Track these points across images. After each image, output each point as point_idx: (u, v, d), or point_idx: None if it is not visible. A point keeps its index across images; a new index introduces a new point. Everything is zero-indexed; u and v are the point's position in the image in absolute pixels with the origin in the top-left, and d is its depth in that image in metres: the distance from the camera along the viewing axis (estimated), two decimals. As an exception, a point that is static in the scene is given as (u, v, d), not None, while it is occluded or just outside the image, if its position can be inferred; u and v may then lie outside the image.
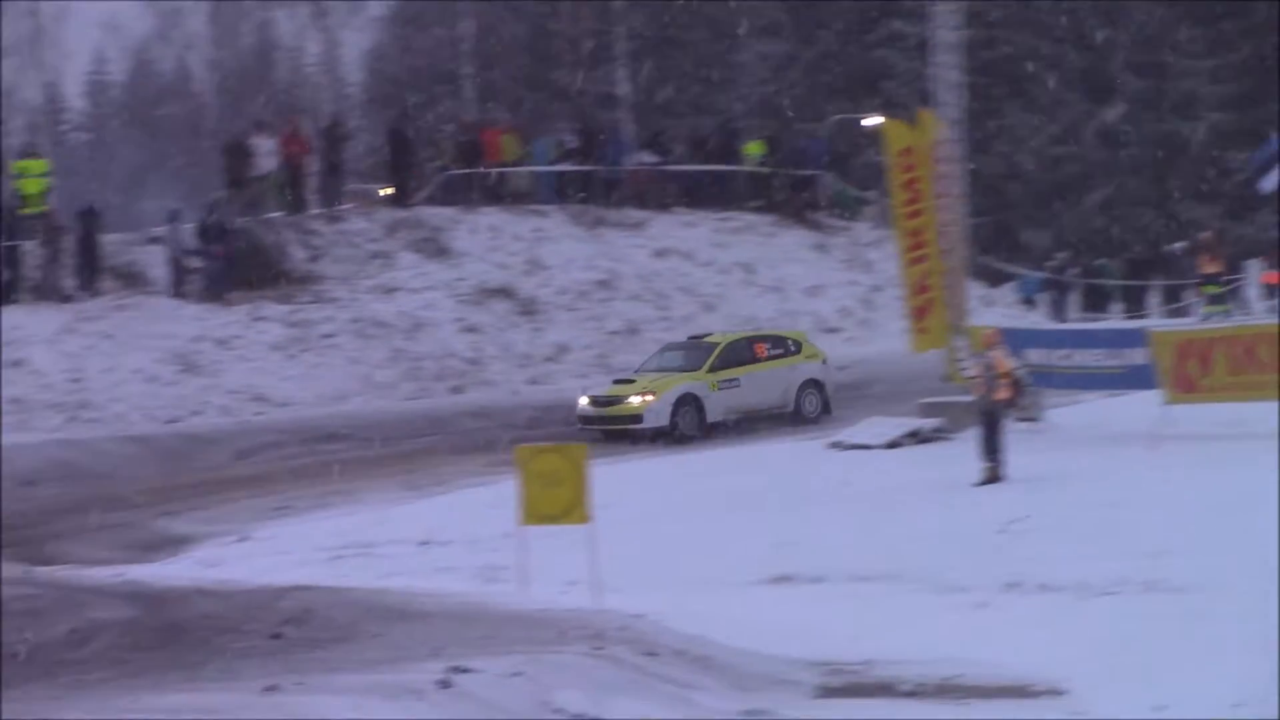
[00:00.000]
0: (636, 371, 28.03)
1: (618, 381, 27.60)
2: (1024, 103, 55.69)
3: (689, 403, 25.97)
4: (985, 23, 49.73)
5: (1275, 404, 20.52)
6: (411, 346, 33.95)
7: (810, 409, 27.14)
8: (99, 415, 29.38)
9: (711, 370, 26.63)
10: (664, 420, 25.63)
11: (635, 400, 25.97)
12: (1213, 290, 34.77)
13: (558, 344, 34.74)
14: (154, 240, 34.69)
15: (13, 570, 19.05)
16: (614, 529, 14.84)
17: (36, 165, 34.48)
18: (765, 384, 27.01)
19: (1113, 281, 41.58)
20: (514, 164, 39.30)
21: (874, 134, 38.41)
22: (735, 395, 26.57)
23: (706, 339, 28.83)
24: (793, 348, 28.03)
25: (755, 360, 27.20)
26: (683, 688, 11.31)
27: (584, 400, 26.88)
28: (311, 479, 26.05)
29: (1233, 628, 11.80)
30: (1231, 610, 12.38)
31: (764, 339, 28.44)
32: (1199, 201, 52.52)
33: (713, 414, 26.12)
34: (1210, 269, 35.05)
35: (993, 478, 19.66)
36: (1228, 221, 47.34)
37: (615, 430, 25.99)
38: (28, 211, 32.80)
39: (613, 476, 18.83)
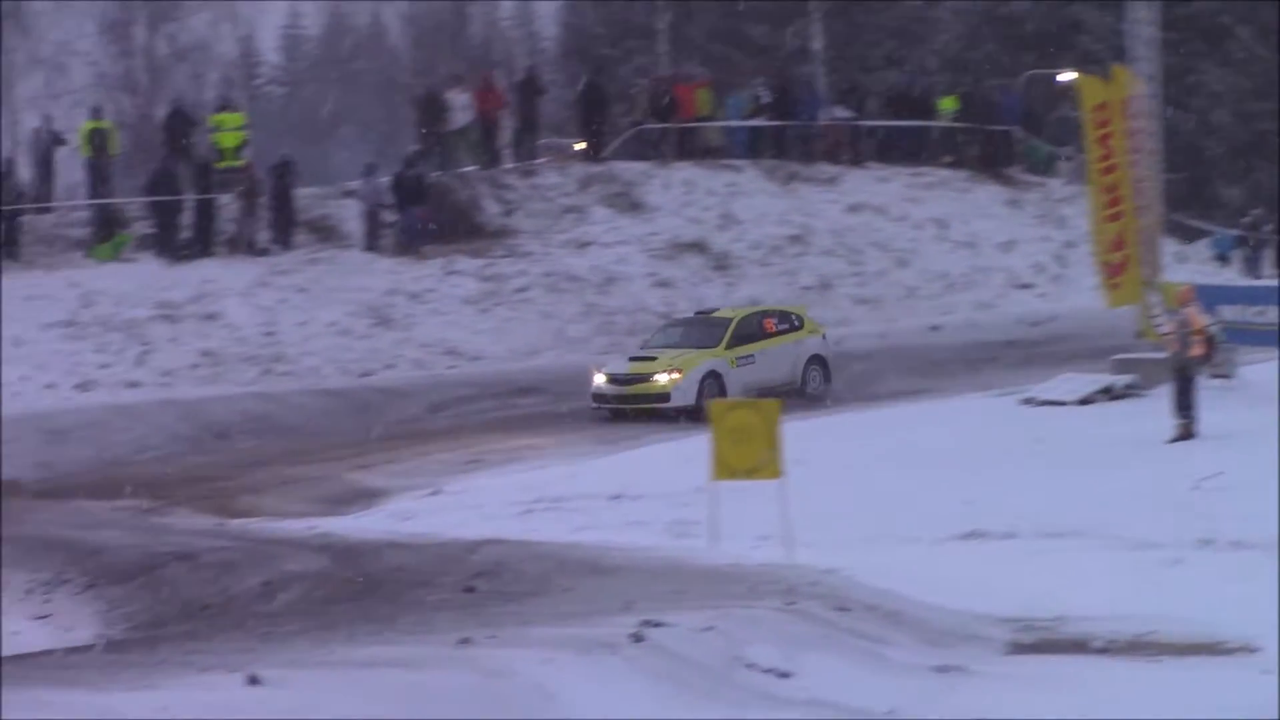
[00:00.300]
0: (644, 347, 27.54)
1: (635, 359, 26.70)
2: (1219, 58, 55.48)
3: (713, 380, 25.37)
4: (1180, -24, 49.68)
5: None
6: (604, 301, 34.41)
7: (814, 385, 26.68)
8: (292, 368, 30.35)
9: (728, 347, 26.15)
10: (690, 399, 24.91)
11: (663, 378, 25.38)
12: None
13: (750, 298, 34.04)
14: (348, 194, 35.62)
15: (205, 523, 20.02)
16: (804, 484, 14.99)
17: (233, 119, 35.81)
18: (776, 360, 26.48)
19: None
20: (707, 119, 39.76)
21: (1068, 90, 38.80)
22: (751, 372, 25.97)
23: (715, 314, 28.57)
24: (796, 323, 27.68)
25: (765, 336, 26.80)
26: (874, 642, 11.51)
27: (600, 378, 25.96)
28: (503, 433, 26.70)
29: None
30: None
31: (771, 314, 28.15)
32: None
33: (732, 391, 25.05)
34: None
35: (1185, 434, 19.84)
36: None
37: (636, 409, 25.56)
38: (224, 165, 33.88)
39: (802, 432, 18.93)
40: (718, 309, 29.22)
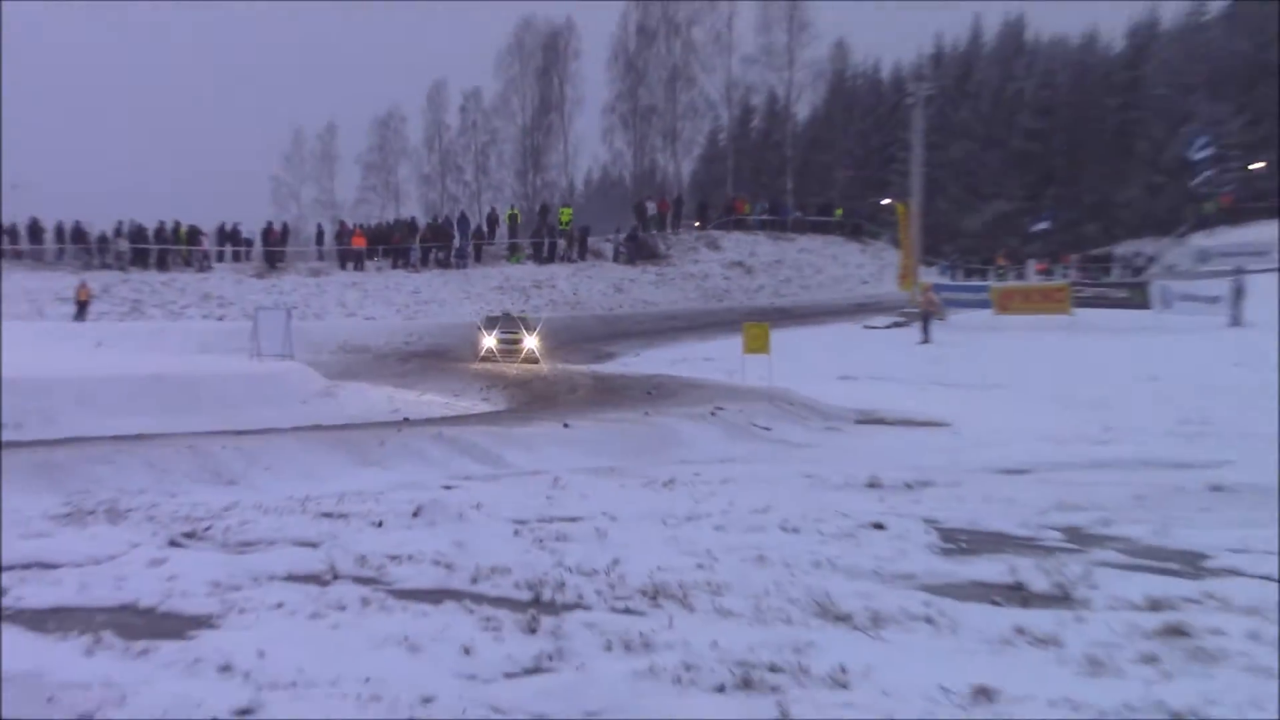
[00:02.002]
0: (490, 327, 40.52)
1: (504, 334, 39.57)
2: (961, 177, 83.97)
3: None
4: None
5: (1051, 316, 44.31)
6: (703, 285, 65.25)
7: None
8: (585, 308, 60.49)
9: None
10: (536, 353, 38.87)
11: (532, 343, 39.15)
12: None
13: (758, 287, 66.65)
14: (608, 240, 66.89)
15: (545, 368, 35.10)
16: (777, 359, 27.33)
17: (566, 211, 67.68)
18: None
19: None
20: (747, 214, 72.93)
21: (889, 207, 70.74)
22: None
23: (516, 315, 43.00)
24: (533, 326, 40.90)
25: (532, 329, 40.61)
26: (803, 418, 22.17)
27: (490, 340, 39.15)
28: (659, 335, 46.44)
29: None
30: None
31: (524, 317, 42.52)
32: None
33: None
34: (1002, 260, 69.43)
35: (926, 340, 40.53)
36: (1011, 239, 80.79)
37: (511, 357, 38.35)
38: (563, 226, 65.25)
39: (788, 341, 32.90)
40: (519, 312, 45.13)
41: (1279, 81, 76.60)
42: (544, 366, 33.76)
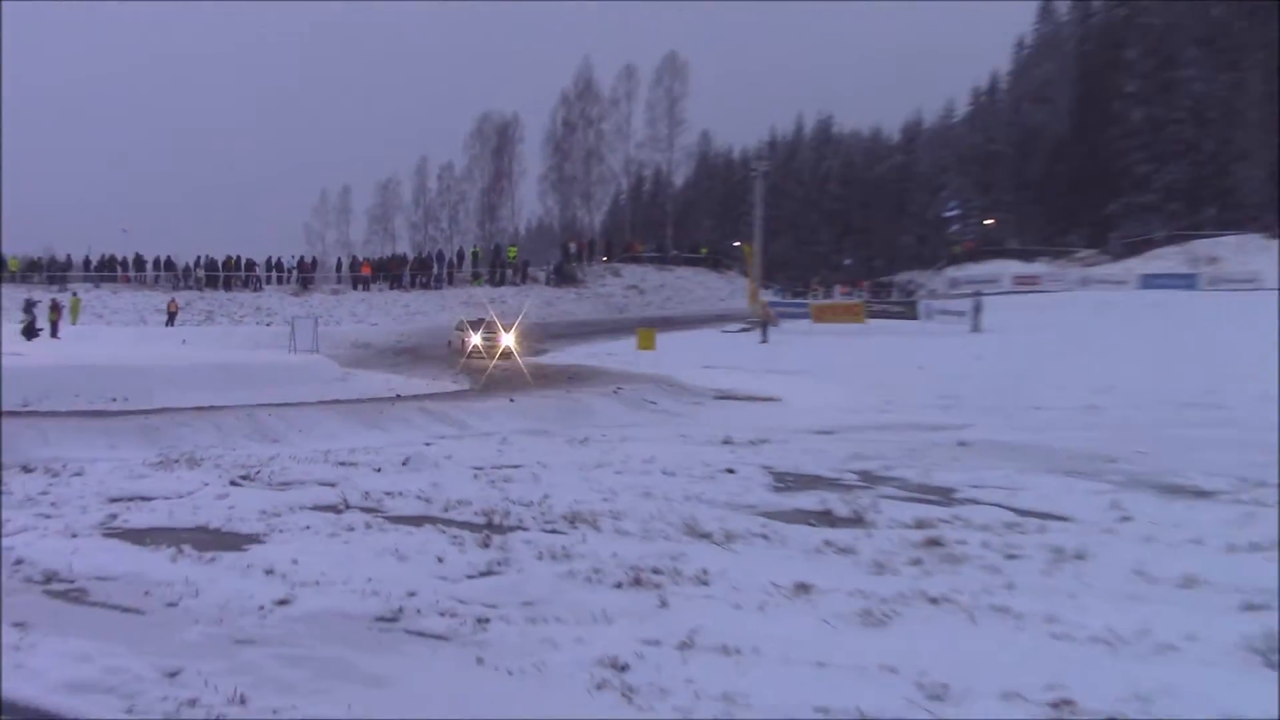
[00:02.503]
0: (466, 328, 36.98)
1: (485, 335, 34.90)
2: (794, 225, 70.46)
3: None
4: None
5: (851, 324, 43.49)
6: (610, 300, 63.15)
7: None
8: (497, 313, 49.30)
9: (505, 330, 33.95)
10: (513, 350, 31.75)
11: (509, 339, 32.42)
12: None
13: (650, 303, 63.19)
14: (543, 269, 65.96)
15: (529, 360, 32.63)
16: (662, 353, 28.01)
17: (512, 250, 67.21)
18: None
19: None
20: (641, 253, 71.45)
21: (739, 248, 71.09)
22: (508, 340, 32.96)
23: (487, 320, 37.10)
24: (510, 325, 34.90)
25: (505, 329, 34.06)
26: (678, 395, 21.41)
27: (476, 339, 34.75)
28: (578, 337, 42.70)
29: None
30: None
31: (499, 322, 36.22)
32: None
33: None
34: (816, 285, 69.58)
35: (764, 341, 38.19)
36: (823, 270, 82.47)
37: (493, 354, 31.90)
38: (511, 258, 65.17)
39: (668, 341, 32.92)
40: (488, 318, 38.06)
41: (1005, 163, 78.58)
42: (519, 361, 29.91)
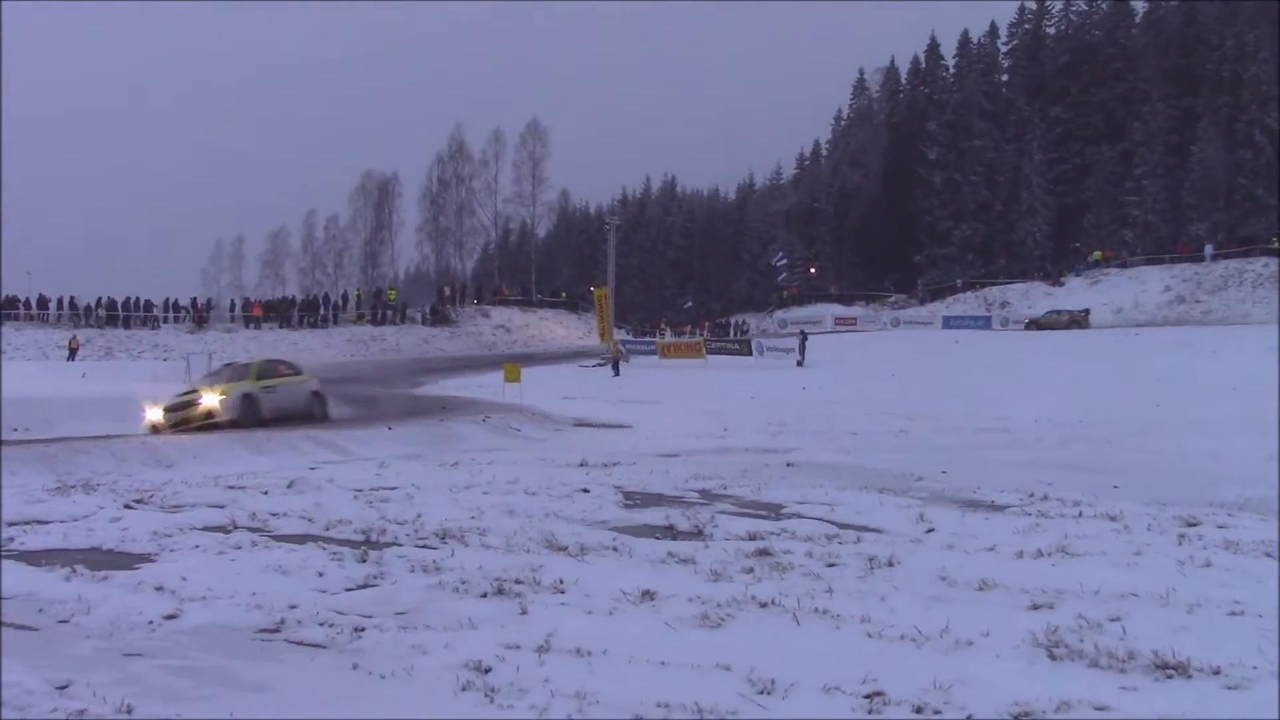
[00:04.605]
0: (192, 385, 22.25)
1: (182, 394, 20.97)
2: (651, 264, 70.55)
3: (248, 399, 20.50)
4: None
5: (693, 360, 44.77)
6: (484, 339, 64.43)
7: (319, 411, 22.49)
8: (385, 349, 48.42)
9: (256, 379, 21.46)
10: (235, 413, 19.91)
11: (208, 400, 20.03)
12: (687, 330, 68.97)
13: (514, 341, 64.96)
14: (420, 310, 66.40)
15: (380, 390, 31.63)
16: (528, 387, 24.33)
17: (392, 292, 67.33)
18: (290, 391, 22.09)
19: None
20: (510, 296, 72.83)
21: (592, 292, 65.08)
22: (276, 397, 21.39)
23: (241, 363, 25.31)
24: (298, 370, 23.73)
25: (279, 376, 22.43)
26: (540, 423, 21.35)
27: (154, 413, 19.82)
28: (451, 371, 40.71)
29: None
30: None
31: (282, 362, 24.52)
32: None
33: (265, 408, 20.79)
34: (662, 326, 72.11)
35: (616, 374, 38.37)
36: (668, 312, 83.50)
37: (193, 426, 19.19)
38: (390, 300, 64.88)
39: (532, 375, 30.10)
40: (245, 361, 26.82)
41: (826, 219, 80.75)
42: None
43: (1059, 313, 56.56)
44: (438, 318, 63.60)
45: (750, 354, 45.57)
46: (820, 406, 24.81)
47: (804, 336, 44.28)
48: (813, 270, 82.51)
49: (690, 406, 25.52)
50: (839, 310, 70.19)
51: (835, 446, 16.57)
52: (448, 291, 67.49)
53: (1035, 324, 55.69)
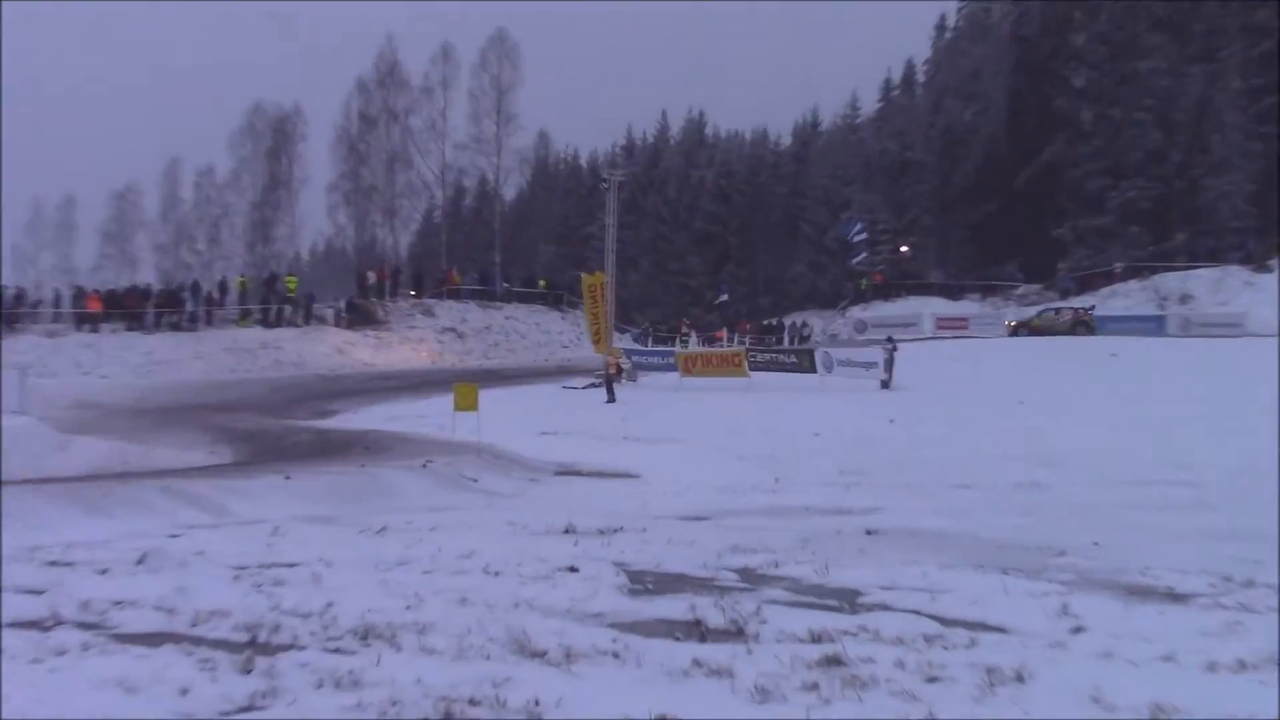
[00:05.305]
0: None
1: None
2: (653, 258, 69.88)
3: None
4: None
5: (729, 379, 43.88)
6: (425, 340, 66.97)
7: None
8: (279, 361, 50.92)
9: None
10: None
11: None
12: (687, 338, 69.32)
13: (491, 353, 65.92)
14: (331, 307, 66.50)
15: (271, 422, 32.62)
16: (486, 416, 25.02)
17: (293, 280, 66.78)
18: None
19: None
20: (459, 285, 73.52)
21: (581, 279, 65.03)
22: None
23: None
24: None
25: None
26: (508, 470, 21.88)
27: None
28: (387, 392, 50.29)
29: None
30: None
31: None
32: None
33: None
34: (684, 328, 72.42)
35: (611, 399, 38.66)
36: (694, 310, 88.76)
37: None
38: (290, 293, 64.93)
39: (496, 399, 29.99)
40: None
41: (924, 174, 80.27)
42: None
43: (1057, 312, 57.66)
44: (358, 317, 63.68)
45: (813, 370, 45.26)
46: (915, 448, 24.77)
47: (892, 346, 43.99)
48: (904, 249, 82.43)
49: (725, 447, 25.46)
50: (942, 307, 70.15)
51: (937, 506, 16.56)
52: (372, 279, 67.75)
53: (1024, 327, 57.08)
